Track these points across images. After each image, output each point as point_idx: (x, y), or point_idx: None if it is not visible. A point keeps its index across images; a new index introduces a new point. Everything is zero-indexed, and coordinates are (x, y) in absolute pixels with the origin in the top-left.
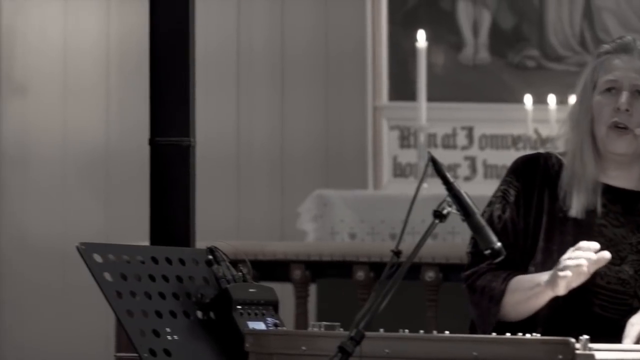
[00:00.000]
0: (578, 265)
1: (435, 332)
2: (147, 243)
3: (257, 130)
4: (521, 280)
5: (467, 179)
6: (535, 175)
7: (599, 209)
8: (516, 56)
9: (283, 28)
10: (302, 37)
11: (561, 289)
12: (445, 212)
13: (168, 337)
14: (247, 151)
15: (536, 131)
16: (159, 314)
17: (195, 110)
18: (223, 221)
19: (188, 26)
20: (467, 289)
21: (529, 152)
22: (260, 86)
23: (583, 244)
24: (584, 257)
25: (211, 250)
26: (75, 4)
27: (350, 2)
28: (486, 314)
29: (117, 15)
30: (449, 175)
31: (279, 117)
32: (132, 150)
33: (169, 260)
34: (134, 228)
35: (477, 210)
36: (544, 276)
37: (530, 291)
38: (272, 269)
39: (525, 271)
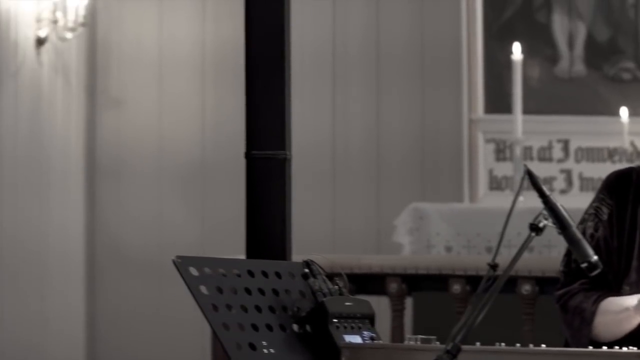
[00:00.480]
0: None
1: (531, 346)
2: (243, 256)
3: (353, 142)
4: (611, 303)
5: (563, 191)
6: (628, 191)
7: None
8: (612, 68)
9: (379, 30)
10: (397, 41)
11: None
12: (541, 225)
13: (264, 350)
14: (343, 163)
15: (632, 144)
16: (255, 327)
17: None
18: (319, 234)
19: (283, 35)
20: (560, 308)
21: (625, 165)
22: (356, 91)
23: None
24: None
25: (307, 264)
26: (170, 16)
27: (446, 12)
28: (578, 334)
29: (212, 26)
30: (544, 188)
31: (374, 128)
32: (227, 162)
33: (265, 274)
34: (229, 241)
35: (573, 223)
36: (634, 300)
37: (620, 314)
38: (368, 282)
39: (619, 290)
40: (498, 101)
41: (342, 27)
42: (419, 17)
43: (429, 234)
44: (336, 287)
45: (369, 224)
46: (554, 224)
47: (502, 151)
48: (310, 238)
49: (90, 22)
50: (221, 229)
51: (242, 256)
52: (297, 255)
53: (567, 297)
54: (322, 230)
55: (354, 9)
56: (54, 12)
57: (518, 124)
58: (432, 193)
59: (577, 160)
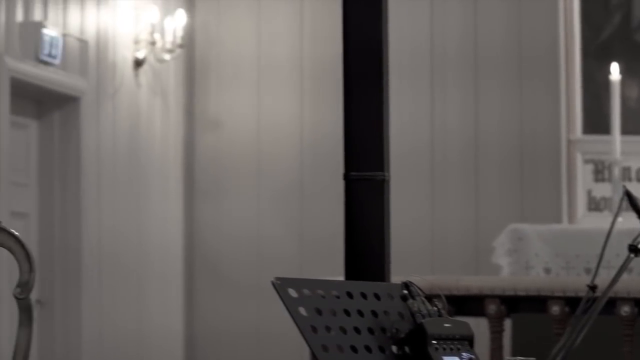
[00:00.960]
0: None
1: None
2: (341, 277)
3: (450, 158)
4: None
5: None
6: None
7: None
8: None
9: (476, 40)
10: (494, 56)
11: None
12: None
13: None
14: (441, 184)
15: None
16: (354, 349)
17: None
18: (418, 255)
19: (382, 50)
20: None
21: None
22: (452, 100)
23: None
24: None
25: (406, 285)
26: (267, 35)
27: (543, 28)
28: None
29: (310, 43)
30: None
31: (472, 143)
32: (325, 180)
33: (363, 295)
34: (327, 259)
35: None
36: None
37: None
38: (466, 303)
39: None
40: (596, 122)
41: (439, 32)
42: (516, 33)
43: (528, 255)
44: (435, 308)
45: (467, 245)
46: None
47: (600, 172)
48: (408, 259)
49: (188, 43)
50: (319, 248)
51: (341, 277)
52: (396, 277)
53: None
54: (421, 251)
55: (450, 19)
56: (152, 33)
57: (616, 144)
58: (530, 214)
59: None
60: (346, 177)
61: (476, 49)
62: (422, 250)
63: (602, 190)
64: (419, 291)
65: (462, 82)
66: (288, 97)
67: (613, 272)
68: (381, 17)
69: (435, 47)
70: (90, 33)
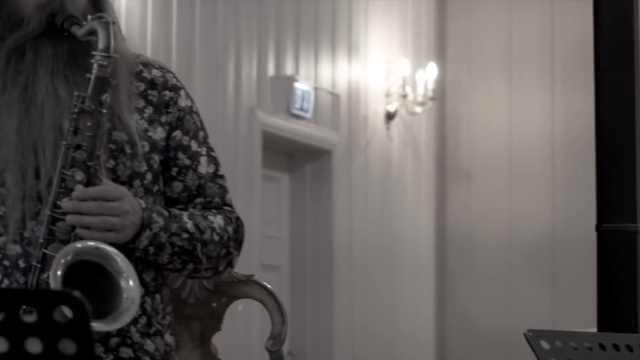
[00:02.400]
0: None
1: None
2: (594, 329)
3: None
4: None
5: None
6: None
7: None
8: None
9: None
10: None
11: None
12: None
13: None
14: None
15: None
16: None
17: None
18: None
19: (634, 111)
20: None
21: None
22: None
23: None
24: None
25: None
26: (519, 90)
27: None
28: None
29: (562, 100)
30: None
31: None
32: (578, 236)
33: (616, 347)
34: (580, 314)
35: None
36: None
37: None
38: None
39: None
40: None
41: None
42: None
43: None
44: None
45: None
46: None
47: None
48: None
49: (440, 96)
50: (571, 302)
51: (593, 329)
52: None
53: None
54: None
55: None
56: (403, 86)
57: None
58: None
59: None
60: (598, 229)
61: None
62: None
63: None
64: None
65: None
66: (539, 150)
67: None
68: (634, 77)
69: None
70: (341, 86)
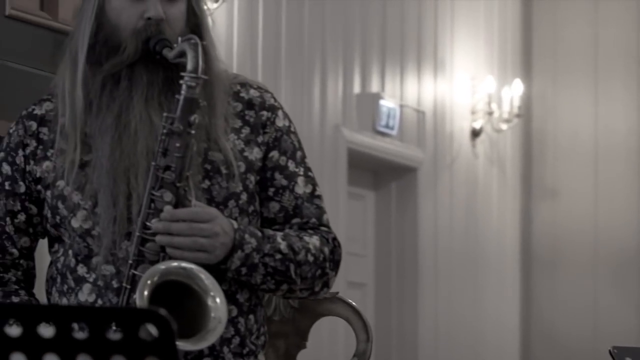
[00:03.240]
0: None
1: None
2: None
3: None
4: None
5: None
6: None
7: None
8: None
9: None
10: None
11: None
12: None
13: None
14: None
15: None
16: None
17: None
18: None
19: None
20: None
21: None
22: None
23: None
24: None
25: None
26: (605, 105)
27: None
28: None
29: None
30: None
31: None
32: None
33: None
34: None
35: None
36: None
37: None
38: None
39: None
40: None
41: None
42: None
43: None
44: None
45: None
46: None
47: None
48: None
49: (525, 113)
50: None
51: None
52: None
53: None
54: None
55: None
56: (488, 103)
57: None
58: None
59: None
60: None
61: None
62: None
63: None
64: None
65: None
66: (626, 167)
67: None
68: None
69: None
70: (427, 104)
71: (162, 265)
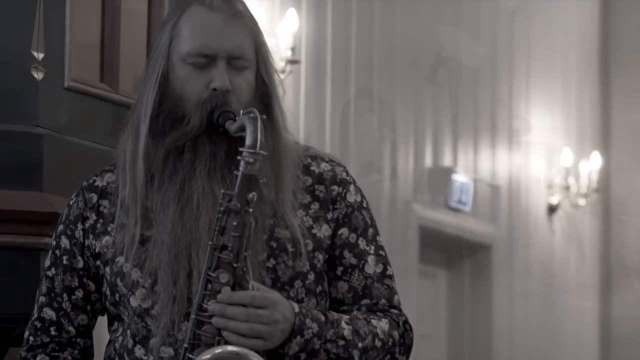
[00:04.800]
0: None
1: None
2: None
3: None
4: None
5: None
6: None
7: None
8: None
9: None
10: None
11: None
12: None
13: None
14: None
15: None
16: None
17: None
18: None
19: None
20: None
21: None
22: None
23: None
24: None
25: None
26: None
27: None
28: None
29: None
30: None
31: None
32: None
33: None
34: None
35: None
36: None
37: None
38: None
39: None
40: None
41: None
42: None
43: None
44: None
45: None
46: None
47: None
48: None
49: (604, 187)
50: None
51: None
52: None
53: None
54: None
55: None
56: (565, 178)
57: None
58: None
59: None
60: None
61: None
62: None
63: None
64: None
65: None
66: None
67: None
68: None
69: None
70: (501, 178)
71: (218, 349)
